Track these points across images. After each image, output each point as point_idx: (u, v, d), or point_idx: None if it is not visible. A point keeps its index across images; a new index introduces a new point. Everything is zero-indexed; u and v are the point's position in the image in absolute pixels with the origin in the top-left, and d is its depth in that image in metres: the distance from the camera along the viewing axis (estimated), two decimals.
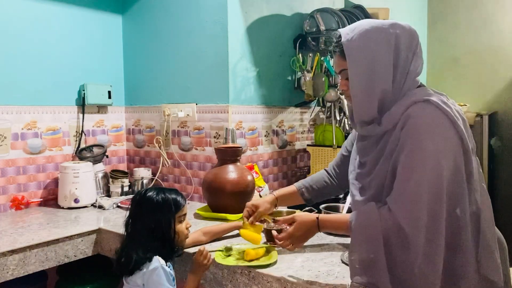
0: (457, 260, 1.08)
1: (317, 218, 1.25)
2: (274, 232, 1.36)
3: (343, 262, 1.37)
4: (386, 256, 1.07)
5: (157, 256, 1.33)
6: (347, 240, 1.60)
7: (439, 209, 1.05)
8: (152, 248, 1.32)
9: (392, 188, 1.12)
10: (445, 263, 1.06)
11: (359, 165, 1.28)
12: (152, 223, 1.35)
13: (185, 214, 1.44)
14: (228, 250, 1.44)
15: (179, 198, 1.41)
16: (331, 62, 2.45)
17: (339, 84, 1.37)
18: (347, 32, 1.18)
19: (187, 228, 1.45)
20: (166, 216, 1.37)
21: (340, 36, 1.18)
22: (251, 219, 1.49)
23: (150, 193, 1.39)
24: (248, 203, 1.55)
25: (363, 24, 1.18)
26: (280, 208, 1.62)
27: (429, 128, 1.07)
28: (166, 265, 1.33)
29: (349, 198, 1.79)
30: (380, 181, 1.18)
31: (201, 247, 1.41)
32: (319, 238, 1.64)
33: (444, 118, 1.08)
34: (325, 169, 1.63)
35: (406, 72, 1.16)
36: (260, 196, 2.18)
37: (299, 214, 1.30)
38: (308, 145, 2.58)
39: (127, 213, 1.42)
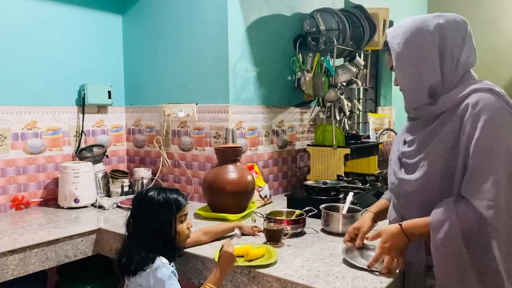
0: None
1: (400, 225, 1.23)
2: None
3: (345, 261, 1.37)
4: (469, 257, 1.09)
5: (160, 257, 1.33)
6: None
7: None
8: (154, 248, 1.32)
9: (451, 173, 1.13)
10: None
11: (406, 144, 1.29)
12: (153, 223, 1.34)
13: (186, 214, 1.45)
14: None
15: (180, 198, 1.41)
16: (331, 62, 2.45)
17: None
18: (392, 30, 1.25)
19: (188, 228, 1.45)
20: (167, 216, 1.37)
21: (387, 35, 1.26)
22: (358, 241, 1.43)
23: (151, 193, 1.39)
24: (349, 228, 1.49)
25: (407, 20, 1.23)
26: (280, 209, 1.62)
27: (496, 116, 1.09)
28: (170, 265, 1.34)
29: (349, 198, 1.79)
30: (432, 161, 1.18)
31: (224, 241, 1.38)
32: (319, 238, 1.64)
33: (508, 108, 1.12)
34: None
35: (456, 63, 1.19)
36: (260, 196, 2.19)
37: (384, 227, 1.30)
38: (308, 145, 2.58)
39: (128, 213, 1.42)
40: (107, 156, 2.50)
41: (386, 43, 1.27)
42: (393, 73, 1.30)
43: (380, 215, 1.51)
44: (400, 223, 1.24)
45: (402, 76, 1.23)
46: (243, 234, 1.67)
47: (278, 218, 1.65)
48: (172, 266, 1.35)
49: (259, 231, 1.68)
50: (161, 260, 1.32)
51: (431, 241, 1.16)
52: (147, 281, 1.30)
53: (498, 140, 1.08)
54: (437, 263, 1.15)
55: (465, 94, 1.14)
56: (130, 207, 1.43)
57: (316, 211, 1.75)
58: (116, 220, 1.93)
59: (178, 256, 1.43)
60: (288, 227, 1.61)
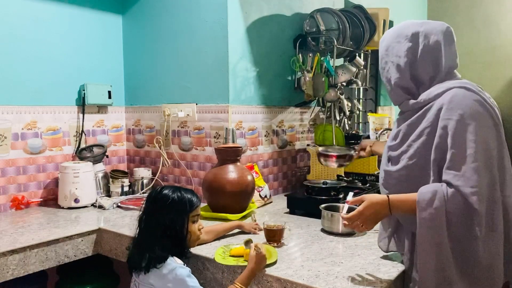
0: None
1: (388, 197, 1.25)
2: (344, 212, 1.36)
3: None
4: (450, 239, 1.14)
5: (174, 257, 1.33)
6: (347, 240, 1.60)
7: (494, 180, 1.14)
8: (165, 246, 1.32)
9: (429, 165, 1.19)
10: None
11: (393, 137, 1.35)
12: (167, 220, 1.35)
13: (198, 215, 1.45)
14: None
15: (194, 198, 1.42)
16: (331, 62, 2.45)
17: None
18: (384, 34, 1.38)
19: (199, 230, 1.45)
20: (181, 215, 1.37)
21: None
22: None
23: (166, 191, 1.40)
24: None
25: (396, 26, 1.34)
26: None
27: (470, 109, 1.16)
28: (183, 265, 1.34)
29: (349, 198, 1.79)
30: (411, 153, 1.24)
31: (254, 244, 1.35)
32: (319, 238, 1.64)
33: (481, 102, 1.17)
34: None
35: (437, 66, 1.26)
36: (260, 196, 2.19)
37: (369, 194, 1.30)
38: (308, 145, 2.58)
39: (141, 209, 1.42)
40: (107, 156, 2.50)
41: None
42: None
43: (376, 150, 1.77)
44: (388, 195, 1.26)
45: (381, 74, 1.37)
46: (244, 233, 1.68)
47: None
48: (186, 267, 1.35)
49: (259, 230, 1.69)
50: (176, 261, 1.32)
51: (417, 219, 1.18)
52: (163, 284, 1.29)
53: (473, 131, 1.14)
54: (419, 242, 1.19)
55: (442, 91, 1.22)
56: (144, 203, 1.43)
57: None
58: (116, 220, 1.93)
59: (186, 258, 1.43)
60: (288, 227, 1.61)
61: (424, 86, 1.28)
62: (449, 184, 1.15)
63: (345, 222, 1.28)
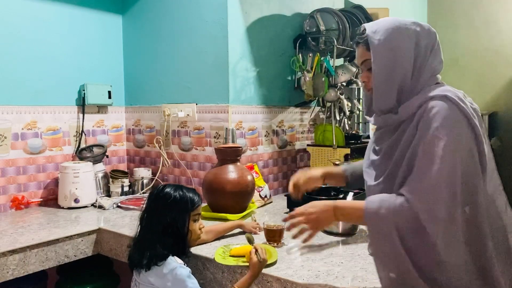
0: (472, 246, 1.10)
1: (334, 204, 1.22)
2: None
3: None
4: (404, 248, 1.08)
5: (175, 257, 1.33)
6: (347, 240, 1.60)
7: (455, 200, 1.07)
8: (166, 244, 1.33)
9: (405, 179, 1.13)
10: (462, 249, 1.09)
11: (375, 153, 1.31)
12: (168, 219, 1.35)
13: (199, 214, 1.45)
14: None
15: (196, 197, 1.42)
16: (331, 62, 2.45)
17: (360, 76, 1.39)
18: (372, 25, 1.25)
19: (200, 229, 1.46)
20: (182, 213, 1.38)
21: (364, 29, 1.25)
22: (290, 187, 1.51)
23: (168, 189, 1.40)
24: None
25: (387, 19, 1.25)
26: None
27: (446, 123, 1.10)
28: (184, 265, 1.34)
29: (349, 198, 1.79)
30: (393, 170, 1.19)
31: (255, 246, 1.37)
32: (319, 238, 1.64)
33: (460, 114, 1.12)
34: None
35: (424, 68, 1.21)
36: (260, 196, 2.19)
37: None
38: (308, 145, 2.58)
39: (143, 207, 1.42)
40: (107, 156, 2.50)
41: (362, 37, 1.25)
42: (361, 71, 1.31)
43: (330, 176, 1.53)
44: (335, 202, 1.24)
45: (378, 72, 1.22)
46: (244, 233, 1.68)
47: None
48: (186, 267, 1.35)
49: (259, 230, 1.69)
50: (176, 260, 1.33)
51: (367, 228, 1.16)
52: (163, 283, 1.29)
53: (444, 146, 1.08)
54: (373, 252, 1.16)
55: (421, 102, 1.16)
56: (145, 201, 1.43)
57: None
58: (116, 220, 1.93)
59: (186, 257, 1.43)
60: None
61: (408, 94, 1.21)
62: (402, 195, 1.10)
63: (287, 216, 1.28)
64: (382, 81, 1.22)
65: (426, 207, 1.06)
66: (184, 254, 1.40)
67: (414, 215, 1.07)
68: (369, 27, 1.25)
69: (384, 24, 1.23)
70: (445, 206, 1.06)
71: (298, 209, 1.27)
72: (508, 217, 1.18)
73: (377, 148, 1.30)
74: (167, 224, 1.35)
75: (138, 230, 1.40)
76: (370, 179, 1.28)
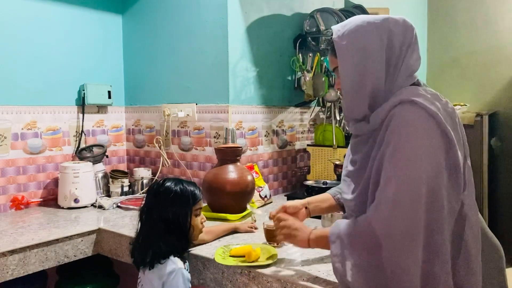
0: (435, 267, 1.01)
1: (312, 230, 1.25)
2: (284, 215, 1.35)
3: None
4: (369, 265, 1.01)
5: (176, 258, 1.32)
6: None
7: (417, 216, 0.99)
8: (168, 241, 1.31)
9: (374, 190, 1.07)
10: (422, 270, 1.00)
11: (351, 163, 1.23)
12: (170, 213, 1.33)
13: (201, 208, 1.44)
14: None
15: (197, 191, 1.40)
16: None
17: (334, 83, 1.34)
18: (338, 28, 1.15)
19: (201, 223, 1.44)
20: (184, 208, 1.35)
21: (332, 34, 1.16)
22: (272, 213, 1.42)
23: (168, 184, 1.37)
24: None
25: (355, 20, 1.14)
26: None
27: (411, 130, 1.02)
28: (184, 267, 1.33)
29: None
30: (366, 184, 1.12)
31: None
32: None
33: (428, 120, 1.02)
34: None
35: (399, 68, 1.11)
36: (260, 196, 2.19)
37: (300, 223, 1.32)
38: (308, 145, 2.58)
39: (143, 202, 1.39)
40: (107, 156, 2.50)
41: (330, 42, 1.20)
42: (336, 76, 1.23)
43: (315, 207, 1.45)
44: (311, 234, 1.23)
45: (346, 79, 1.13)
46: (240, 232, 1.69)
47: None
48: (186, 269, 1.35)
49: (255, 228, 1.69)
50: (177, 264, 1.31)
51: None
52: (159, 283, 1.29)
53: (407, 156, 1.00)
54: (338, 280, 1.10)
55: (390, 107, 1.07)
56: (145, 196, 1.41)
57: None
58: (116, 220, 1.93)
59: (188, 253, 1.42)
60: None
61: (382, 97, 1.11)
62: (367, 212, 1.05)
63: (275, 218, 1.31)
64: (351, 87, 1.13)
65: (384, 222, 0.99)
66: (186, 249, 1.39)
67: (370, 228, 1.01)
68: (335, 30, 1.15)
69: (350, 26, 1.13)
70: (402, 223, 0.98)
71: (287, 219, 1.30)
72: (475, 243, 1.06)
73: (353, 158, 1.22)
74: (168, 220, 1.32)
75: (139, 227, 1.38)
76: (348, 190, 1.22)
